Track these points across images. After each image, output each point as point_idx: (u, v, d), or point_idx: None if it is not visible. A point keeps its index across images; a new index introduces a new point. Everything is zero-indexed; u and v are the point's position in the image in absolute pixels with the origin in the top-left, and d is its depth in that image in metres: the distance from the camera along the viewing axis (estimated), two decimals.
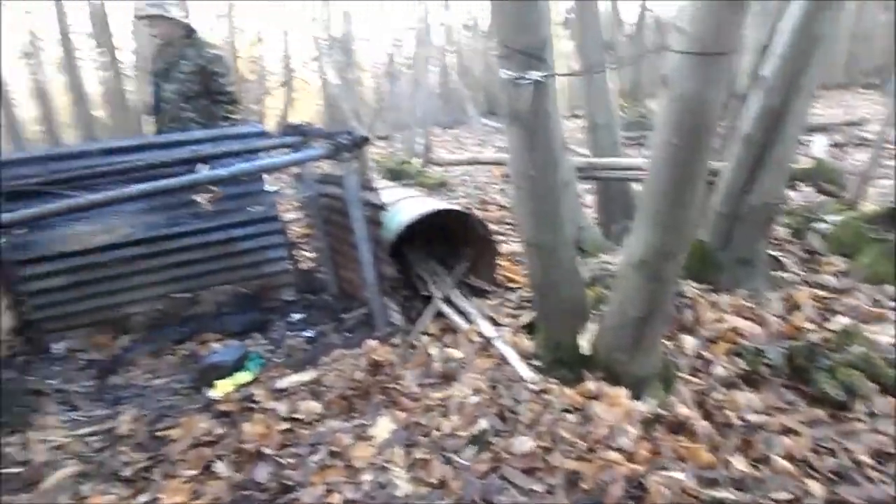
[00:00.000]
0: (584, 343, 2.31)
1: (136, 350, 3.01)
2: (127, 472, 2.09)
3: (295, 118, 12.34)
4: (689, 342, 2.50)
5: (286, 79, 12.51)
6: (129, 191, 2.45)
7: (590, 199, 4.49)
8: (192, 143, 3.17)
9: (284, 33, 12.71)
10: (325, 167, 3.49)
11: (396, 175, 6.51)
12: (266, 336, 3.12)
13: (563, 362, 2.37)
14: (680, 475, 1.85)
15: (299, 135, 3.08)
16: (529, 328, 2.75)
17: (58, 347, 3.05)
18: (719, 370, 2.35)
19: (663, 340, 2.41)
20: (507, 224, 4.80)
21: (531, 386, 2.30)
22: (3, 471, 2.12)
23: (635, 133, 7.59)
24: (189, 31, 3.99)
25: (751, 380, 2.32)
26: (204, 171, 2.86)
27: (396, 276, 2.90)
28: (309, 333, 3.10)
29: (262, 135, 3.27)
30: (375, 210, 2.77)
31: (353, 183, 2.77)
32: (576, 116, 8.04)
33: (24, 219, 2.45)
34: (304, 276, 3.74)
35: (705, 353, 2.46)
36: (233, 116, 4.03)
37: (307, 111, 12.76)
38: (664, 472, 1.86)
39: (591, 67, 3.19)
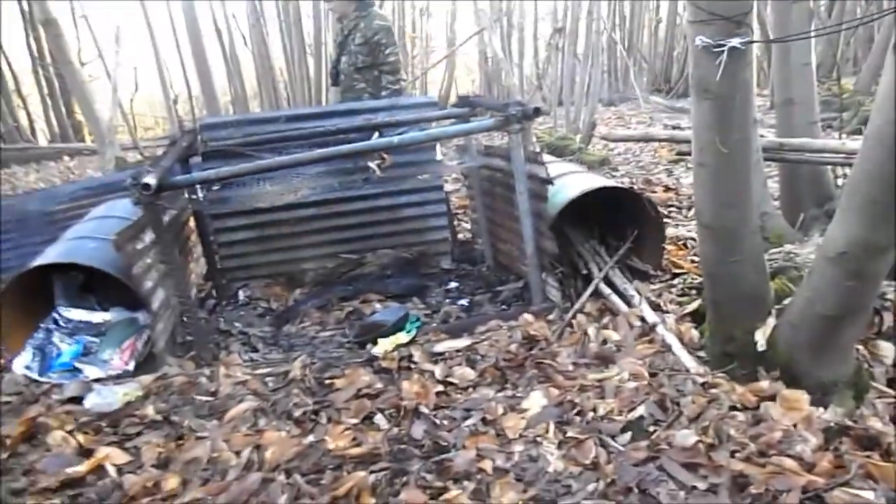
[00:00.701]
0: (761, 338, 2.13)
1: (307, 303, 3.25)
2: (297, 413, 2.25)
3: (455, 90, 12.57)
4: (887, 350, 2.22)
5: (448, 51, 12.71)
6: (312, 154, 2.62)
7: (770, 183, 4.10)
8: (367, 112, 3.32)
9: (449, 8, 12.91)
10: (484, 139, 3.50)
11: (556, 151, 6.38)
12: (423, 301, 3.22)
13: (734, 356, 2.20)
14: (868, 494, 1.65)
15: (469, 106, 3.11)
16: (695, 317, 2.59)
17: (241, 295, 3.38)
18: None
19: (856, 345, 2.16)
20: (673, 206, 4.54)
21: (696, 378, 2.17)
22: (197, 397, 2.39)
23: (825, 114, 6.79)
24: (362, 6, 4.15)
25: None
26: (377, 139, 2.99)
27: (556, 251, 2.85)
28: (464, 302, 3.15)
29: (433, 105, 3.34)
30: (541, 184, 2.73)
31: (520, 155, 2.74)
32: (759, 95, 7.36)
33: (222, 176, 2.71)
34: (461, 247, 3.80)
35: None
36: (394, 87, 4.16)
37: (468, 84, 12.90)
38: (849, 489, 1.67)
39: (791, 35, 2.87)
